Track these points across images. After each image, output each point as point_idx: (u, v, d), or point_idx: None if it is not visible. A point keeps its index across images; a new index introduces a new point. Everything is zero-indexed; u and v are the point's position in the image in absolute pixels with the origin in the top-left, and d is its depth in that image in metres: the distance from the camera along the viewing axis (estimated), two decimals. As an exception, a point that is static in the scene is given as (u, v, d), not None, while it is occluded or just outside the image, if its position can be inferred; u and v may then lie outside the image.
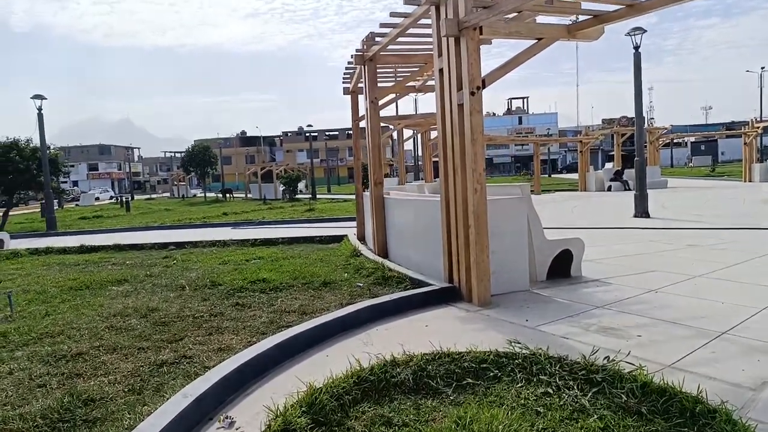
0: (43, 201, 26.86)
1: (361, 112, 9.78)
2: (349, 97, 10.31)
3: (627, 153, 25.48)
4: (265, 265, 7.60)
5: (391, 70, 9.99)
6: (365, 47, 7.27)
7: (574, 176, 50.55)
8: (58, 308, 5.50)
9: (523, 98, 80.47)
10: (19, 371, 3.60)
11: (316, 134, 61.54)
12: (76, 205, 41.60)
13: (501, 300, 5.02)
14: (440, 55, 5.29)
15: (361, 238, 10.21)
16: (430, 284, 5.37)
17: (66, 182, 79.56)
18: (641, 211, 12.09)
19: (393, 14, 5.95)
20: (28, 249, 10.72)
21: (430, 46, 7.73)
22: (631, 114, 16.46)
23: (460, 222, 5.13)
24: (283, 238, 10.50)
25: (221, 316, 4.91)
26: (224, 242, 10.48)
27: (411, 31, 6.44)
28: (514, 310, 4.67)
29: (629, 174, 21.16)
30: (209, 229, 15.75)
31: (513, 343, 3.49)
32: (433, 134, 20.69)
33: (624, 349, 3.39)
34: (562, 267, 5.88)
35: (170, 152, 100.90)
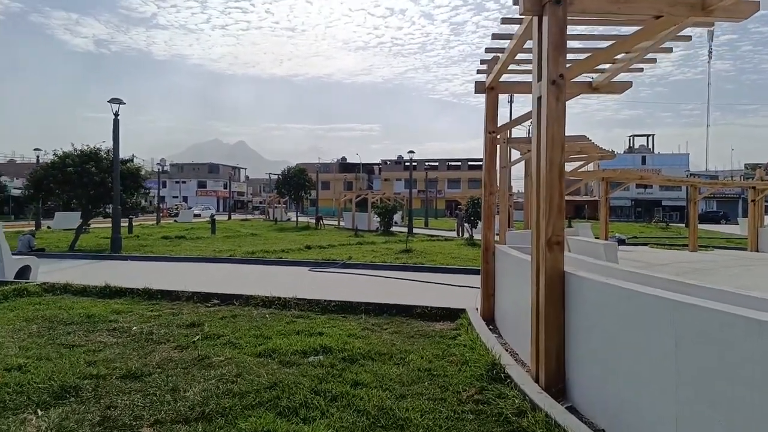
0: (131, 216, 25.87)
1: (504, 118, 6.19)
2: (482, 98, 6.80)
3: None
4: (329, 376, 4.20)
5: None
6: (548, -19, 3.69)
7: (713, 228, 42.76)
8: None
9: (647, 135, 71.73)
10: None
11: (415, 164, 58.56)
12: (175, 221, 41.56)
13: None
14: None
15: (489, 319, 6.47)
16: None
17: (177, 197, 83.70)
18: None
19: None
20: (45, 285, 8.24)
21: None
22: None
23: None
24: (368, 304, 7.05)
25: None
26: (285, 302, 7.26)
27: None
28: None
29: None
30: (282, 267, 12.80)
31: None
32: (573, 165, 16.47)
33: None
34: None
35: (274, 174, 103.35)
